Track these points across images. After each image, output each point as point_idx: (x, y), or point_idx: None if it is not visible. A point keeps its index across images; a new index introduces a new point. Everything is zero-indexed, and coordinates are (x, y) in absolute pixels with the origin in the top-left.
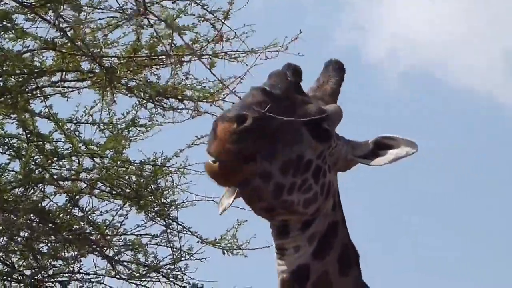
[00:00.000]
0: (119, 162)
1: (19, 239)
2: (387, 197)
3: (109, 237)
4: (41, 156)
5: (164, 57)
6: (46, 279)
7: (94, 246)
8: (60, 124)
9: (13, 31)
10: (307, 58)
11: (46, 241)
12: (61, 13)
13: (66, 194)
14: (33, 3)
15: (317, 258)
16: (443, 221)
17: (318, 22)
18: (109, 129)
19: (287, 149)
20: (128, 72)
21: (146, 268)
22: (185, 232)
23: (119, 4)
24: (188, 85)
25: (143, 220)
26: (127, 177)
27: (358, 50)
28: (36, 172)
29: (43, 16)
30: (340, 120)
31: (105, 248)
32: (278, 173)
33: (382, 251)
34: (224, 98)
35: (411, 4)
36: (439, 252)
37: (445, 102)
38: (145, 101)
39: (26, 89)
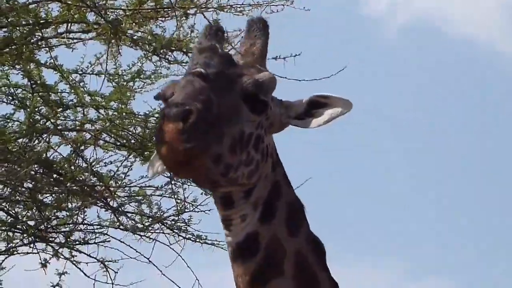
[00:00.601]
0: (124, 114)
1: (23, 189)
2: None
3: (113, 188)
4: (46, 107)
5: (169, 9)
6: (50, 230)
7: (98, 197)
8: (65, 75)
9: None
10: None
11: (50, 191)
12: None
13: (70, 145)
14: None
15: (264, 223)
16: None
17: None
18: (114, 80)
19: (231, 129)
20: (133, 24)
21: (150, 219)
22: (189, 183)
23: None
24: (193, 38)
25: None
26: (132, 128)
27: (357, 1)
28: (41, 122)
29: None
30: (275, 88)
31: (109, 199)
32: (227, 153)
33: None
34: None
35: None
36: None
37: (445, 52)
38: (150, 54)
39: (32, 40)
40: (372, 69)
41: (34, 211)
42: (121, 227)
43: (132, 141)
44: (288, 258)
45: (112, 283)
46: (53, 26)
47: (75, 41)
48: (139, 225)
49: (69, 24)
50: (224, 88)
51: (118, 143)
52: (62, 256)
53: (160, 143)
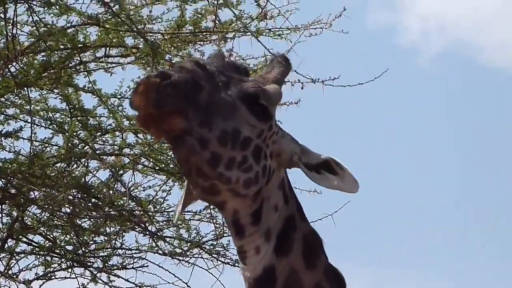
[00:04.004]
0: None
1: (61, 214)
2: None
3: (151, 213)
4: (84, 131)
5: (208, 33)
6: (88, 255)
7: (136, 221)
8: (103, 99)
9: (57, 7)
10: (343, 36)
11: (88, 216)
12: None
13: (109, 169)
14: None
15: (280, 256)
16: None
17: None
18: None
19: (222, 123)
20: (172, 48)
21: (189, 244)
22: None
23: None
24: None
25: None
26: (170, 153)
27: (391, 30)
28: (79, 147)
29: None
30: (279, 101)
31: (147, 224)
32: (216, 142)
33: None
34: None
35: None
36: None
37: (478, 82)
38: None
39: (70, 64)
40: (405, 96)
41: (72, 235)
42: (159, 252)
43: (171, 165)
44: None
45: None
46: (92, 50)
47: (113, 65)
48: (178, 250)
49: (108, 48)
50: (221, 85)
51: (157, 168)
52: (100, 281)
53: (134, 93)
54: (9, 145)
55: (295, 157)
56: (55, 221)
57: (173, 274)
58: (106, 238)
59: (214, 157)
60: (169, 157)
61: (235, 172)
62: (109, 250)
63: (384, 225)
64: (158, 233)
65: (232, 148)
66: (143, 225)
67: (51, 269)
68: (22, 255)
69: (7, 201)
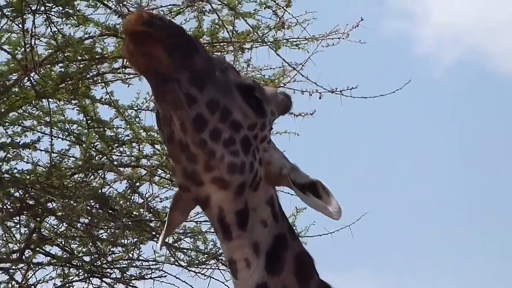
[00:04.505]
0: None
1: (78, 225)
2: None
3: None
4: (102, 142)
5: (225, 43)
6: (105, 265)
7: (153, 233)
8: (121, 110)
9: (75, 17)
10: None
11: (106, 227)
12: None
13: (126, 180)
14: None
15: (272, 274)
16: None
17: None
18: None
19: (215, 92)
20: None
21: (206, 255)
22: None
23: None
24: (249, 72)
25: None
26: None
27: (406, 39)
28: (96, 158)
29: (105, 2)
30: (274, 101)
31: None
32: (204, 105)
33: None
34: (285, 85)
35: None
36: None
37: (492, 91)
38: None
39: (87, 75)
40: (419, 106)
41: (89, 246)
42: (176, 263)
43: None
44: None
45: None
46: (109, 61)
47: (130, 76)
48: (195, 261)
49: (125, 59)
50: (218, 67)
51: (174, 179)
52: None
53: (127, 17)
54: (27, 156)
55: (284, 170)
56: (73, 232)
57: (191, 286)
58: (123, 249)
59: (200, 118)
60: None
61: (220, 148)
62: (126, 261)
63: (385, 226)
64: (175, 244)
65: (220, 120)
66: (159, 236)
67: (69, 280)
68: (40, 266)
69: (24, 212)
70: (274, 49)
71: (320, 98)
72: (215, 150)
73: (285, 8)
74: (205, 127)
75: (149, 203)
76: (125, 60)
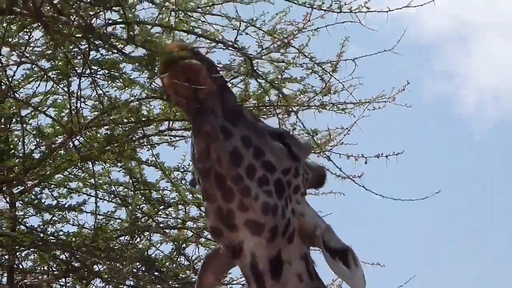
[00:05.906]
0: None
1: (125, 287)
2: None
3: None
4: (148, 204)
5: (271, 107)
6: None
7: None
8: (167, 172)
9: (120, 80)
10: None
11: None
12: None
13: (172, 242)
14: None
15: None
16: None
17: (408, 70)
18: None
19: (247, 131)
20: None
21: None
22: None
23: (228, 61)
24: (295, 136)
25: None
26: None
27: (448, 100)
28: (142, 220)
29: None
30: (309, 153)
31: None
32: (239, 140)
33: None
34: (331, 149)
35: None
36: None
37: None
38: None
39: (133, 138)
40: (462, 167)
41: None
42: None
43: None
44: None
45: None
46: (155, 124)
47: (176, 138)
48: None
49: (171, 122)
50: (249, 115)
51: None
52: None
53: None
54: (73, 219)
55: (318, 230)
56: None
57: None
58: None
59: (236, 152)
60: None
61: (254, 185)
62: None
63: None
64: None
65: (254, 157)
66: None
67: None
68: None
69: (71, 275)
70: (319, 109)
71: (365, 163)
72: (250, 187)
73: (331, 73)
74: (241, 162)
75: (195, 265)
76: (171, 122)
